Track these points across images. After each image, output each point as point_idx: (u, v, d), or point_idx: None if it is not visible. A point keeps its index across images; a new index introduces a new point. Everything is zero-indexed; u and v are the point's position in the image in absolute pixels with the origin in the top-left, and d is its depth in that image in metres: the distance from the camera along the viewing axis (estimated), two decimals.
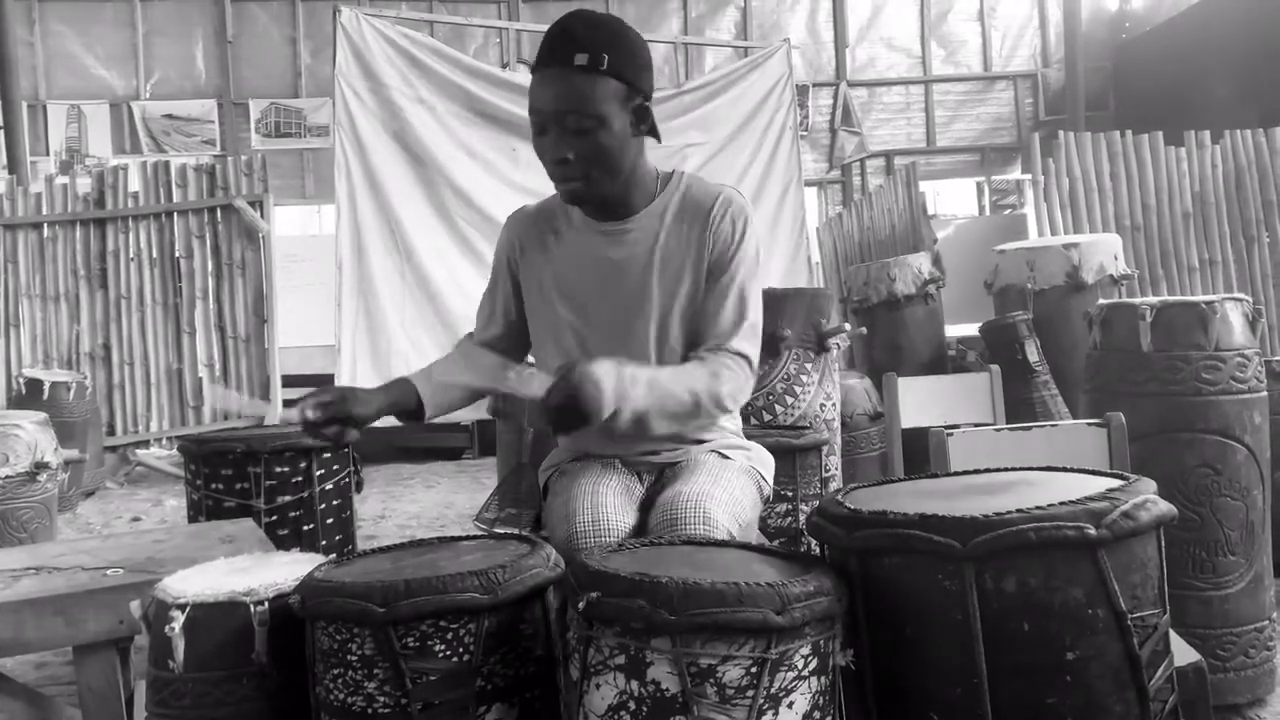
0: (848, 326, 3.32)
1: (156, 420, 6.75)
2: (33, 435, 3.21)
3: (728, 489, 1.61)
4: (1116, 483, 1.29)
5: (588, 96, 1.55)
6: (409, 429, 5.82)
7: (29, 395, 5.50)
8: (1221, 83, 9.48)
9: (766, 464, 1.84)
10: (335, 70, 6.38)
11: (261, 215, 6.75)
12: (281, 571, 1.48)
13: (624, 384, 1.47)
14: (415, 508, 5.34)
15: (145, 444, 6.75)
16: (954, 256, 5.80)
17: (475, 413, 5.81)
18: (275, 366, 6.72)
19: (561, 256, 1.76)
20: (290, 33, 11.54)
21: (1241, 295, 2.37)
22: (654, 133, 1.69)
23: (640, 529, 1.63)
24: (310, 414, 1.54)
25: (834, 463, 3.10)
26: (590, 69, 1.54)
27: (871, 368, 4.44)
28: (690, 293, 1.70)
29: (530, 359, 1.94)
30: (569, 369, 1.44)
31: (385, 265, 6.45)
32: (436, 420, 1.77)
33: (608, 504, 1.60)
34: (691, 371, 1.62)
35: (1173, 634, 1.29)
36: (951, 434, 2.09)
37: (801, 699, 1.14)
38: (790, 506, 2.37)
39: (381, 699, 1.26)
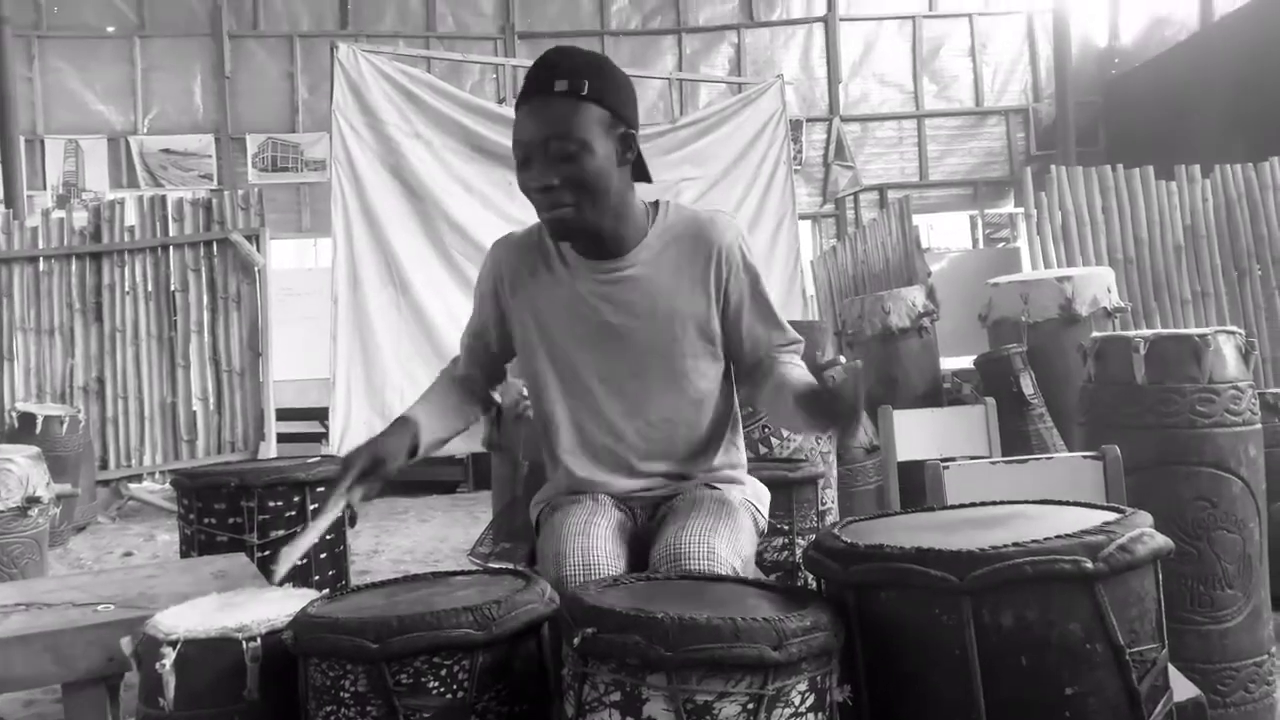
0: (842, 359, 3.32)
1: (150, 454, 6.72)
2: (25, 469, 3.18)
3: (729, 525, 1.60)
4: (1113, 516, 1.28)
5: (569, 121, 1.55)
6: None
7: (22, 429, 5.47)
8: (1210, 117, 9.59)
9: (762, 498, 1.83)
10: (332, 106, 6.42)
11: (257, 249, 6.76)
12: (274, 607, 1.46)
13: None
14: (409, 542, 5.31)
15: (138, 478, 6.72)
16: (948, 289, 5.85)
17: (470, 446, 5.79)
18: (269, 400, 6.70)
19: (558, 297, 1.72)
20: (288, 68, 11.64)
21: (1234, 328, 2.38)
22: (642, 169, 1.69)
23: (633, 568, 1.61)
24: (357, 504, 1.60)
25: (830, 496, 3.09)
26: (570, 94, 1.55)
27: (866, 401, 4.43)
28: (701, 326, 1.71)
29: (521, 389, 1.93)
30: (851, 369, 1.50)
31: (381, 299, 6.45)
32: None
33: (599, 547, 1.58)
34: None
35: (1171, 668, 1.28)
36: (947, 467, 2.09)
37: None
38: (787, 540, 2.36)
39: None
